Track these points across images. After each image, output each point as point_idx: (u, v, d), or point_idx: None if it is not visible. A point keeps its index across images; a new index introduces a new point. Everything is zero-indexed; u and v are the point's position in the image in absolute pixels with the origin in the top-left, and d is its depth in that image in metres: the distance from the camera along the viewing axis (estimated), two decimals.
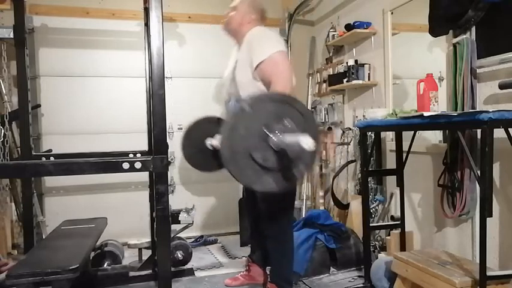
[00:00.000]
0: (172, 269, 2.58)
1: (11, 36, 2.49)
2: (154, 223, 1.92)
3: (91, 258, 2.64)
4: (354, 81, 3.15)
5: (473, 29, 2.16)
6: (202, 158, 2.65)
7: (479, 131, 1.70)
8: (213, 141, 2.52)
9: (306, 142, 1.50)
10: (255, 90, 2.17)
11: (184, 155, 2.71)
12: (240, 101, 1.69)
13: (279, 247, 2.30)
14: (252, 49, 2.20)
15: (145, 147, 2.77)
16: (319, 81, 3.99)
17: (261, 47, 2.17)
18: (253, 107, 1.65)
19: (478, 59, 2.10)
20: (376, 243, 2.89)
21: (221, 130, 1.66)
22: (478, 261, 1.71)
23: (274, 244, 2.30)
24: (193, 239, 3.56)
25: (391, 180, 2.82)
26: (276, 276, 2.34)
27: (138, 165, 1.62)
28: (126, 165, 1.61)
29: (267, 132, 1.63)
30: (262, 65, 2.13)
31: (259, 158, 1.64)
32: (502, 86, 1.92)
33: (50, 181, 3.47)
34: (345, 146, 3.50)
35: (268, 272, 2.46)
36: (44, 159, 2.42)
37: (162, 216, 1.66)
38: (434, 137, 2.49)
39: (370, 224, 2.54)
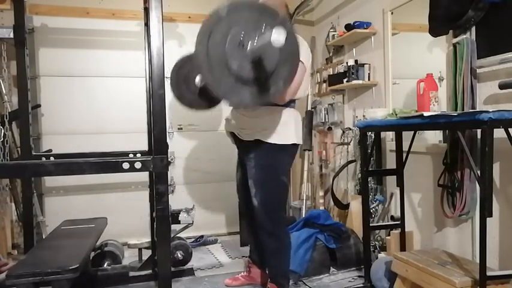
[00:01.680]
0: (172, 269, 2.58)
1: (11, 36, 2.49)
2: (154, 223, 1.92)
3: (91, 258, 2.64)
4: (354, 81, 3.15)
5: (473, 29, 2.16)
6: (191, 94, 2.56)
7: (479, 131, 1.70)
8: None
9: (277, 36, 1.41)
10: None
11: (174, 94, 2.62)
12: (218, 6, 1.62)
13: (276, 245, 2.30)
14: None
15: (145, 147, 2.77)
16: (319, 81, 3.99)
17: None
18: (230, 13, 1.57)
19: (478, 59, 2.10)
20: (376, 243, 2.89)
21: (197, 35, 1.58)
22: (478, 261, 1.71)
23: (271, 242, 2.30)
24: (193, 239, 3.56)
25: (391, 180, 2.82)
26: (275, 274, 2.34)
27: (138, 165, 1.62)
28: (126, 165, 1.61)
29: (244, 38, 1.55)
30: None
31: (235, 67, 1.57)
32: (502, 86, 1.92)
33: (50, 181, 3.47)
34: (345, 146, 3.50)
35: (267, 272, 2.45)
36: (44, 159, 2.43)
37: (162, 216, 1.66)
38: (434, 137, 2.49)
39: (370, 224, 2.54)
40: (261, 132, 2.21)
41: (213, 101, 2.53)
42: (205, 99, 2.51)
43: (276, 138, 2.19)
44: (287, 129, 2.22)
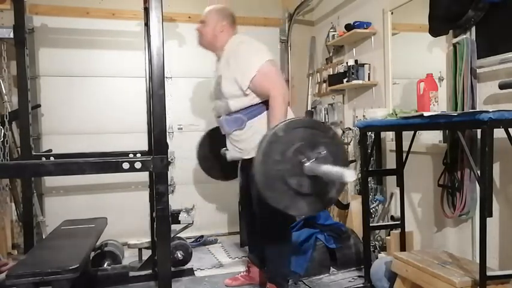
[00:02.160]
0: (172, 269, 2.58)
1: (11, 36, 2.49)
2: (154, 223, 1.92)
3: (91, 258, 2.64)
4: (354, 81, 3.15)
5: (473, 29, 2.16)
6: (216, 164, 2.77)
7: (479, 131, 1.70)
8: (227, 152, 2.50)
9: (348, 175, 1.51)
10: (245, 103, 2.22)
11: (198, 157, 2.88)
12: (274, 126, 1.73)
13: (277, 246, 2.30)
14: (237, 66, 2.20)
15: (145, 147, 2.77)
16: (319, 81, 3.99)
17: (247, 64, 2.18)
18: (286, 132, 1.67)
19: (478, 59, 2.10)
20: (376, 243, 2.89)
21: (255, 155, 1.68)
22: (478, 261, 1.71)
23: (272, 243, 2.30)
24: (193, 239, 3.56)
25: (391, 180, 2.82)
26: (275, 275, 2.34)
27: (138, 165, 1.62)
28: (126, 165, 1.61)
29: (302, 159, 1.66)
30: (254, 80, 2.16)
31: (294, 184, 1.67)
32: (502, 86, 1.92)
33: (50, 181, 3.47)
34: (345, 146, 3.50)
35: (266, 272, 2.45)
36: (44, 159, 2.43)
37: (162, 216, 1.66)
38: (434, 137, 2.48)
39: (370, 224, 2.54)
40: (241, 152, 2.31)
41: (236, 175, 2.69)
42: (230, 171, 2.73)
43: (248, 154, 2.23)
44: (252, 143, 2.17)
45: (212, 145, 2.77)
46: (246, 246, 3.19)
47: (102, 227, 2.48)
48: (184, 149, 3.71)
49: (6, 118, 2.95)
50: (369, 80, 3.14)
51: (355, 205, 3.11)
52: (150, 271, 2.67)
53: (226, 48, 2.32)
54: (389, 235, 2.66)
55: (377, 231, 2.94)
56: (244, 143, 2.27)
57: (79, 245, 2.03)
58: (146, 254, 2.87)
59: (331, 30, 3.55)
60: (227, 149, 2.41)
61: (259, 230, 2.35)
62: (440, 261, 1.99)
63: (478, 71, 2.11)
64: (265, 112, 2.24)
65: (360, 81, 3.14)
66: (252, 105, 2.24)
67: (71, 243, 2.10)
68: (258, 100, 2.23)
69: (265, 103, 2.22)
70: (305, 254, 2.69)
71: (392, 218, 2.85)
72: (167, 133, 2.94)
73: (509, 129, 1.69)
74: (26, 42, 2.45)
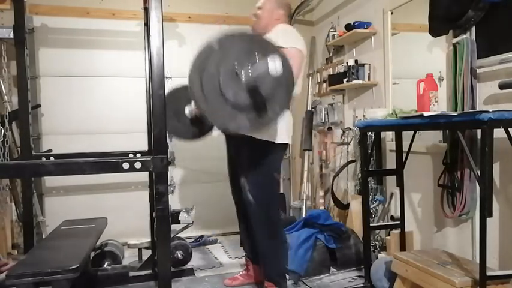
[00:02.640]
0: (172, 269, 2.58)
1: (11, 36, 2.49)
2: (154, 223, 1.92)
3: (91, 258, 2.64)
4: (354, 81, 3.15)
5: (473, 29, 2.16)
6: (182, 125, 2.63)
7: (479, 131, 1.70)
8: (192, 108, 2.50)
9: (273, 65, 1.45)
10: None
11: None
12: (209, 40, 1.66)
13: (272, 242, 2.30)
14: (276, 38, 2.16)
15: (146, 147, 2.77)
16: (319, 81, 3.99)
17: (285, 38, 2.19)
18: (222, 45, 1.60)
19: (478, 59, 2.10)
20: (376, 243, 2.89)
21: (190, 69, 1.61)
22: (478, 261, 1.71)
23: (265, 239, 2.30)
24: (193, 239, 3.56)
25: (391, 180, 2.82)
26: (272, 273, 2.34)
27: (138, 165, 1.62)
28: (126, 165, 1.61)
29: (237, 68, 1.58)
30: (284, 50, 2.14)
31: (230, 96, 1.59)
32: (502, 86, 1.92)
33: (50, 181, 3.47)
34: (345, 146, 3.50)
35: (263, 270, 2.43)
36: (44, 159, 2.43)
37: (162, 216, 1.66)
38: (434, 137, 2.48)
39: (370, 224, 2.54)
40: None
41: (205, 130, 2.62)
42: (198, 129, 2.60)
43: (266, 136, 2.20)
44: (278, 128, 2.22)
45: (175, 105, 2.63)
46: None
47: (102, 227, 2.48)
48: (184, 149, 3.71)
49: (6, 118, 2.95)
50: (369, 80, 3.14)
51: (355, 205, 3.11)
52: (150, 271, 2.68)
53: (273, 29, 2.34)
54: (389, 235, 2.66)
55: (377, 231, 2.94)
56: None
57: (79, 245, 2.03)
58: (146, 254, 2.87)
59: (331, 30, 3.55)
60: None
61: (252, 223, 2.33)
62: (440, 261, 1.99)
63: (478, 71, 2.11)
64: None
65: (360, 81, 3.14)
66: None
67: (71, 243, 2.10)
68: None
69: None
70: (305, 254, 2.69)
71: (392, 218, 2.85)
72: (167, 133, 2.93)
73: (509, 129, 1.69)
74: (26, 42, 2.45)
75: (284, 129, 2.27)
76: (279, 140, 2.25)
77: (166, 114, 2.56)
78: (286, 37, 2.23)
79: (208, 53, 1.61)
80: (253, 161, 2.25)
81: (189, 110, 2.53)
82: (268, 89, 1.60)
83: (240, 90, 1.61)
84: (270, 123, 1.82)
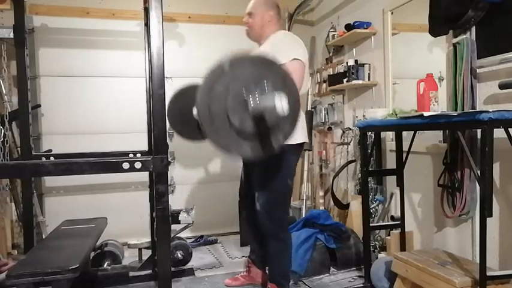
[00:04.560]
0: (172, 269, 2.58)
1: (11, 36, 2.49)
2: (154, 223, 1.92)
3: (91, 258, 2.64)
4: (354, 81, 3.15)
5: (473, 29, 2.16)
6: (188, 126, 2.57)
7: (479, 131, 1.70)
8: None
9: (281, 105, 1.44)
10: None
11: (173, 129, 2.71)
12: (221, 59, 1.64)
13: (278, 246, 2.30)
14: (275, 50, 2.15)
15: (146, 147, 2.76)
16: (319, 81, 3.99)
17: (285, 50, 2.16)
18: (232, 67, 1.59)
19: (478, 59, 2.10)
20: (376, 243, 2.89)
21: (199, 88, 1.60)
22: (478, 261, 1.71)
23: (273, 243, 2.30)
24: (193, 239, 3.56)
25: (391, 180, 2.82)
26: (276, 275, 2.34)
27: (138, 165, 1.62)
28: (126, 165, 1.61)
29: (246, 95, 1.56)
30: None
31: (236, 121, 1.58)
32: (502, 86, 1.92)
33: (50, 181, 3.47)
34: (345, 146, 3.50)
35: (267, 272, 2.45)
36: (44, 159, 2.42)
37: (162, 216, 1.66)
38: (435, 137, 2.49)
39: (370, 224, 2.54)
40: None
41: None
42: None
43: None
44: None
45: (183, 106, 2.60)
46: (246, 246, 3.19)
47: (102, 227, 2.48)
48: (184, 149, 3.71)
49: (6, 118, 2.95)
50: (368, 80, 3.14)
51: (355, 205, 3.11)
52: (150, 271, 2.67)
53: (271, 36, 2.33)
54: (389, 235, 2.66)
55: (377, 231, 2.94)
56: None
57: (79, 245, 2.03)
58: (146, 254, 2.87)
59: (331, 30, 3.55)
60: None
61: (260, 226, 2.34)
62: (440, 261, 2.00)
63: (478, 71, 2.11)
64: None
65: (360, 81, 3.14)
66: None
67: (71, 243, 2.10)
68: None
69: None
70: (305, 254, 2.69)
71: (392, 218, 2.85)
72: (167, 133, 2.93)
73: (509, 129, 1.69)
74: (26, 42, 2.45)
75: (299, 128, 2.18)
76: (295, 140, 2.17)
77: (174, 114, 2.57)
78: (286, 48, 2.19)
79: (219, 74, 1.59)
80: (268, 167, 2.20)
81: (196, 111, 2.48)
82: (274, 120, 1.60)
83: (245, 117, 1.60)
84: (273, 152, 1.83)
